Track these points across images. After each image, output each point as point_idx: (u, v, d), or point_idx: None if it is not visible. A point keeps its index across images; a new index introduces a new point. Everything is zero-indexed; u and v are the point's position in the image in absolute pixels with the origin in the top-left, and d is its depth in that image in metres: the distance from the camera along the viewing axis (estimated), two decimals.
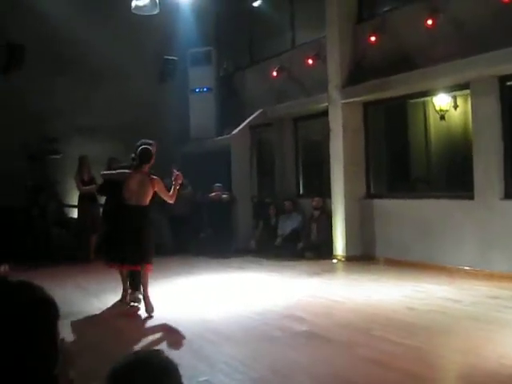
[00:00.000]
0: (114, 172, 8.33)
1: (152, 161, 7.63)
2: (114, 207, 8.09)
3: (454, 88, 10.02)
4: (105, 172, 8.92)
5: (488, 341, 5.58)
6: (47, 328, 1.73)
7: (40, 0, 12.64)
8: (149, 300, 7.34)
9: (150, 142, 7.91)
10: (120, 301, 7.94)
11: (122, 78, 14.14)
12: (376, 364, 5.12)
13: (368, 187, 11.30)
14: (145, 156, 7.57)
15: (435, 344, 5.59)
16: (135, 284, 7.85)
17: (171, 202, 7.79)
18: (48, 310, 1.76)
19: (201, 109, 14.98)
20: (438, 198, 10.04)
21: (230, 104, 14.97)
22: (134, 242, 7.33)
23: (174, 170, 7.73)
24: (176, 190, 7.63)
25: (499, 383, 4.54)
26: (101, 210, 12.56)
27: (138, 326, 6.94)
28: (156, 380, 1.66)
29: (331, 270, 10.46)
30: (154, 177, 7.57)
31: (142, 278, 7.46)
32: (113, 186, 7.89)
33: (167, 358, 1.74)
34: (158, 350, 1.79)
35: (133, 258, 7.39)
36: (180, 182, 7.68)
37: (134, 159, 7.91)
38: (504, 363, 4.91)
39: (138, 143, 7.83)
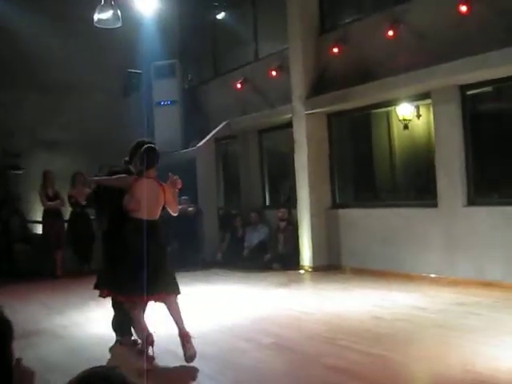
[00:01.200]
0: (111, 178, 6.29)
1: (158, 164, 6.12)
2: (115, 223, 6.13)
3: (416, 97, 10.13)
4: (98, 178, 6.89)
5: (453, 348, 5.62)
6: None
7: (2, 14, 12.51)
8: (189, 339, 5.76)
9: (152, 140, 6.60)
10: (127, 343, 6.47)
11: (85, 92, 14.06)
12: (342, 373, 5.12)
13: (333, 197, 11.36)
14: (152, 156, 6.01)
15: (401, 352, 5.61)
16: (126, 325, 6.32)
17: (175, 213, 6.27)
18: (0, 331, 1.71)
19: (166, 122, 14.91)
20: (402, 206, 10.13)
21: (195, 116, 14.95)
22: (155, 268, 5.76)
23: (171, 175, 6.10)
24: (176, 199, 6.23)
25: None
26: (65, 225, 12.49)
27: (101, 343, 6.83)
28: None
29: (298, 280, 10.46)
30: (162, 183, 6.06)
31: (171, 311, 6.06)
32: (109, 196, 6.18)
33: (124, 374, 1.69)
34: (114, 367, 1.76)
35: (155, 287, 5.77)
36: (179, 188, 6.15)
37: (127, 162, 6.39)
38: (469, 370, 4.94)
39: (136, 143, 6.33)
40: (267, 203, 13.34)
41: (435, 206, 9.32)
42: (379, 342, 5.99)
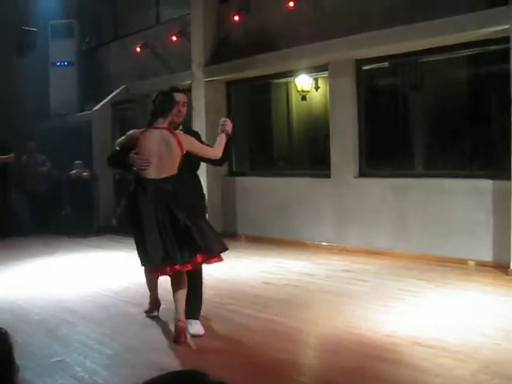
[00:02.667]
0: (122, 138, 5.50)
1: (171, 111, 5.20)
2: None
3: (315, 70, 10.29)
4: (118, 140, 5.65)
5: (338, 311, 5.84)
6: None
7: None
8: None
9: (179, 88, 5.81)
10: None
11: None
12: (230, 338, 5.21)
13: (230, 165, 11.40)
14: (162, 102, 5.19)
15: (288, 316, 5.76)
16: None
17: (217, 157, 5.31)
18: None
19: (62, 83, 14.47)
20: (297, 176, 10.32)
21: (93, 79, 14.57)
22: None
23: (222, 118, 5.51)
24: (223, 142, 5.33)
25: (347, 350, 4.75)
26: None
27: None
28: None
29: None
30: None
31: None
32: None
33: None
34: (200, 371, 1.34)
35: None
36: (229, 129, 5.39)
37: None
38: (351, 331, 5.16)
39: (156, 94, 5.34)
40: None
41: (328, 176, 9.56)
42: (268, 307, 6.12)
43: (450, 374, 4.17)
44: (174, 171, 5.08)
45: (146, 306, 6.03)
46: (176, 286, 5.18)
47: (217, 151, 5.32)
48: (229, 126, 5.45)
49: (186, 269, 5.08)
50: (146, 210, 5.02)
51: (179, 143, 5.05)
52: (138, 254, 5.34)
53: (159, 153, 5.04)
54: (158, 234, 4.99)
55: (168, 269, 5.05)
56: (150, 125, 5.14)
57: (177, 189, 5.06)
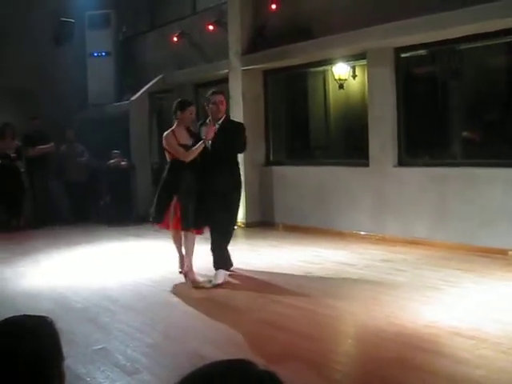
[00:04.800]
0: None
1: (180, 113, 7.07)
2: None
3: (352, 58, 10.21)
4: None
5: (377, 301, 5.82)
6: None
7: None
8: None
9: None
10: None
11: (16, 41, 13.55)
12: (269, 326, 5.25)
13: (267, 154, 11.41)
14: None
15: (327, 306, 5.77)
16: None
17: (184, 160, 6.85)
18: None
19: (99, 74, 14.55)
20: (335, 165, 10.27)
21: (130, 69, 14.66)
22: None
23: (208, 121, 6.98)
24: (199, 148, 6.77)
25: (386, 340, 4.74)
26: None
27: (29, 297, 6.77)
28: None
29: None
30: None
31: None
32: None
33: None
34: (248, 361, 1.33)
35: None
36: (209, 137, 6.76)
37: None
38: (391, 321, 5.15)
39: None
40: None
41: (367, 165, 9.49)
42: (308, 297, 6.14)
43: (491, 365, 4.13)
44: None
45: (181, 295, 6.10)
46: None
47: (186, 154, 6.76)
48: (210, 134, 6.65)
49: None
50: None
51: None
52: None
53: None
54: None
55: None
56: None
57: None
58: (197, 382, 1.24)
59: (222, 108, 6.96)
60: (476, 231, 8.01)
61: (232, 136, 6.86)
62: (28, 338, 1.55)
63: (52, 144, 12.45)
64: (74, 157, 12.89)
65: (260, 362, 1.29)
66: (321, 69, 11.40)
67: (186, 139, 6.94)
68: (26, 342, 1.54)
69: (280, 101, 11.81)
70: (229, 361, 1.30)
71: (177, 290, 6.66)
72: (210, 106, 6.95)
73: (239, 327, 5.25)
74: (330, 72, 11.37)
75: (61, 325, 1.74)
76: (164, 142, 7.02)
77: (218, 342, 4.87)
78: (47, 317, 1.67)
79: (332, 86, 11.73)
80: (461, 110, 9.31)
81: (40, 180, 12.39)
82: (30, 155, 12.19)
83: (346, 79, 11.12)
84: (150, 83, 13.30)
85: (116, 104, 14.08)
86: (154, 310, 5.95)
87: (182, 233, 6.99)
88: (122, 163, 12.73)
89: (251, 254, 8.62)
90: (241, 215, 11.09)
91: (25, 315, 1.66)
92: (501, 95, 8.85)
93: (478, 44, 8.48)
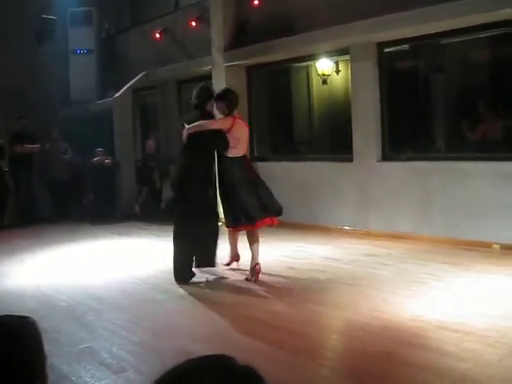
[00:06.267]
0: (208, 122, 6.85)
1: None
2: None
3: (336, 53, 10.22)
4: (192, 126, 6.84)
5: (362, 296, 5.83)
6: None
7: None
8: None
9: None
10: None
11: None
12: (256, 322, 5.25)
13: (252, 150, 11.37)
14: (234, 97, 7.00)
15: (313, 301, 5.78)
16: None
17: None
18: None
19: (82, 71, 14.48)
20: (319, 160, 10.28)
21: (113, 66, 14.59)
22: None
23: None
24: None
25: (372, 334, 4.76)
26: None
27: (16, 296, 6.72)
28: None
29: None
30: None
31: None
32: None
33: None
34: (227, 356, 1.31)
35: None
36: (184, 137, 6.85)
37: (198, 106, 7.03)
38: (377, 316, 5.16)
39: (201, 88, 7.20)
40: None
41: (351, 160, 9.51)
42: (292, 292, 6.15)
43: (477, 358, 4.15)
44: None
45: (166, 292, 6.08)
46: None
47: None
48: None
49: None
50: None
51: (248, 128, 7.01)
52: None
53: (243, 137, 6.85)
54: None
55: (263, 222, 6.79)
56: (232, 114, 6.81)
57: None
58: (175, 378, 1.23)
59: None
60: (460, 225, 8.05)
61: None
62: (10, 338, 1.53)
63: (38, 145, 12.38)
64: (58, 155, 12.81)
65: (246, 359, 1.27)
66: (304, 64, 11.40)
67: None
68: (7, 342, 1.52)
69: (264, 96, 11.80)
70: (208, 356, 1.29)
71: (162, 287, 6.63)
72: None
73: (225, 324, 5.25)
74: (313, 67, 11.38)
75: (46, 324, 1.72)
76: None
77: (204, 339, 4.86)
78: (29, 316, 1.65)
79: (315, 82, 11.74)
80: (444, 104, 9.36)
81: (24, 179, 12.29)
82: (18, 152, 12.07)
83: (329, 74, 11.14)
84: (133, 80, 13.24)
85: (99, 101, 14.00)
86: (139, 307, 5.92)
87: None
88: (106, 161, 12.66)
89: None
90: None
91: (6, 315, 1.64)
92: (484, 89, 8.90)
93: (461, 38, 8.52)
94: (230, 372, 1.23)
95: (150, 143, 13.33)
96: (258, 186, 6.85)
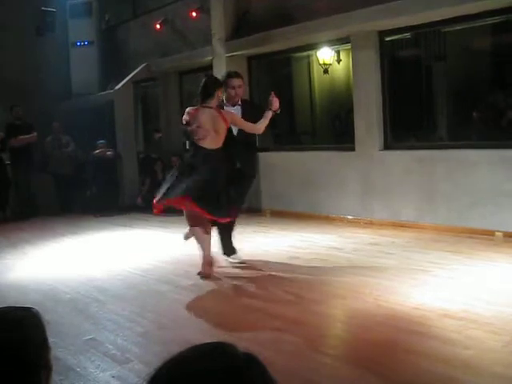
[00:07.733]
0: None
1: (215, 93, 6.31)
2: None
3: (337, 42, 10.19)
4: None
5: (366, 285, 5.83)
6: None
7: None
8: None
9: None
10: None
11: None
12: (259, 312, 5.24)
13: None
14: (205, 86, 6.29)
15: (317, 290, 5.79)
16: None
17: (258, 133, 6.79)
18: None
19: (82, 63, 14.46)
20: (321, 149, 10.27)
21: (113, 58, 14.56)
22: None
23: (270, 96, 6.59)
24: (268, 119, 6.54)
25: (376, 323, 4.76)
26: None
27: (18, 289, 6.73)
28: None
29: None
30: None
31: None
32: None
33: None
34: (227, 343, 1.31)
35: None
36: (276, 107, 6.60)
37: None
38: (380, 304, 5.16)
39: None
40: (187, 146, 13.22)
41: (353, 149, 9.49)
42: (296, 281, 6.15)
43: (481, 346, 4.15)
44: (220, 144, 6.27)
45: (169, 283, 6.08)
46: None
47: (257, 127, 6.48)
48: (275, 105, 6.53)
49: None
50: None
51: (224, 119, 6.17)
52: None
53: (212, 128, 6.17)
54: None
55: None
56: (202, 103, 6.24)
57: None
58: (175, 365, 1.23)
59: (240, 92, 6.86)
60: (463, 213, 8.04)
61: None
62: (13, 330, 1.54)
63: (35, 134, 12.21)
64: (59, 148, 12.80)
65: (250, 348, 1.28)
66: (305, 54, 11.37)
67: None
68: (11, 334, 1.52)
69: (265, 86, 11.76)
70: (208, 344, 1.29)
71: (166, 278, 6.64)
72: (229, 90, 6.74)
73: (229, 314, 5.25)
74: (314, 57, 11.35)
75: (50, 316, 1.72)
76: (228, 119, 6.35)
77: (208, 329, 4.87)
78: (32, 308, 1.66)
79: (317, 71, 11.72)
80: (446, 92, 9.33)
81: (23, 172, 12.24)
82: (13, 145, 12.03)
83: (330, 64, 11.12)
84: (134, 72, 13.22)
85: (100, 93, 13.99)
86: (143, 298, 5.93)
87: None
88: (108, 153, 12.66)
89: (239, 241, 8.60)
90: None
91: (9, 306, 1.65)
92: (486, 77, 8.87)
93: (463, 26, 8.47)
94: (229, 359, 1.23)
95: (159, 135, 13.35)
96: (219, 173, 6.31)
